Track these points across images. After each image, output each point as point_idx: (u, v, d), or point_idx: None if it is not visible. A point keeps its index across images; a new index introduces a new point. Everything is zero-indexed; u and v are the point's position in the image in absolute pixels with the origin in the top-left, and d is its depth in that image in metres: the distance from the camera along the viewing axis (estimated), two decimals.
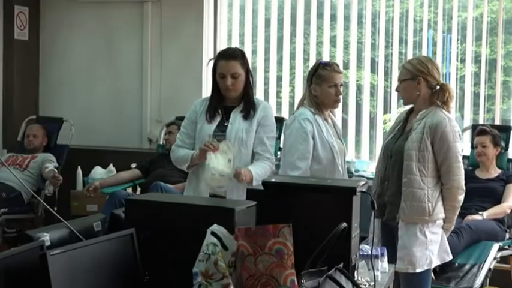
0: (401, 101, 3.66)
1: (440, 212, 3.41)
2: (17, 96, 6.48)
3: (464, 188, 3.46)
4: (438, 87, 3.45)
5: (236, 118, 3.50)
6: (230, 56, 3.49)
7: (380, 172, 3.60)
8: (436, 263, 3.48)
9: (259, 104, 3.55)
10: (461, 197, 3.45)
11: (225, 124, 3.50)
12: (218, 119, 3.53)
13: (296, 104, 3.78)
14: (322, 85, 3.54)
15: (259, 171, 3.40)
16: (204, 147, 3.32)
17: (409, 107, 3.64)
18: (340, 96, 3.63)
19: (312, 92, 3.56)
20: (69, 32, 6.56)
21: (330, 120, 3.64)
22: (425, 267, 3.42)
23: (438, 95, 3.43)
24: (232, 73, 3.45)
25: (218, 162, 3.26)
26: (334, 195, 2.33)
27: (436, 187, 3.41)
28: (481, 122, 5.48)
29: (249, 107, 3.51)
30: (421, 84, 3.44)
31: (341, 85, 3.59)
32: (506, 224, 4.72)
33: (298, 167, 3.43)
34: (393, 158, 3.50)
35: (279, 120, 5.18)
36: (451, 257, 3.58)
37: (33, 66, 6.64)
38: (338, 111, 5.82)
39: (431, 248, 3.41)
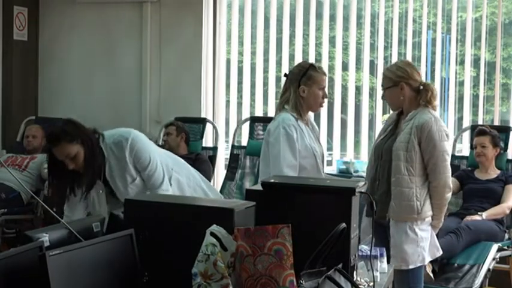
0: None
1: (428, 210, 3.50)
2: (16, 97, 6.48)
3: (452, 187, 3.57)
4: (422, 87, 3.55)
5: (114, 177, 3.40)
6: (54, 141, 3.28)
7: (371, 172, 3.66)
8: (428, 259, 3.58)
9: (127, 150, 3.38)
10: (448, 195, 3.54)
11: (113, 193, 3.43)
12: (100, 192, 3.42)
13: (289, 107, 3.61)
14: (312, 87, 3.51)
15: None
16: None
17: None
18: (326, 99, 3.62)
19: (299, 94, 3.52)
20: (68, 32, 6.56)
21: (309, 124, 3.61)
22: (418, 264, 3.51)
23: (421, 95, 3.52)
24: (66, 156, 3.26)
25: None
26: (333, 196, 2.33)
27: (424, 186, 3.49)
28: (480, 122, 5.49)
29: (103, 166, 3.36)
30: (404, 89, 3.53)
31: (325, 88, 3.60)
32: (505, 224, 4.72)
33: (287, 174, 3.34)
34: (383, 158, 3.57)
35: None
36: (441, 253, 3.67)
37: (33, 66, 6.64)
38: (337, 111, 5.86)
39: (422, 244, 3.50)
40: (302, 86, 3.52)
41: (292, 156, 3.42)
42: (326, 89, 3.61)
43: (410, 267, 3.49)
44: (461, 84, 5.62)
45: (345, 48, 5.94)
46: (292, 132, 3.44)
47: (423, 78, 3.71)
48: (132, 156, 3.40)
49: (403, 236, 3.47)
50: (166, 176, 3.48)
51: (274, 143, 3.46)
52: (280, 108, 3.60)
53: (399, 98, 3.55)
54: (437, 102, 3.58)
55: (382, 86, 3.63)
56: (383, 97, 3.68)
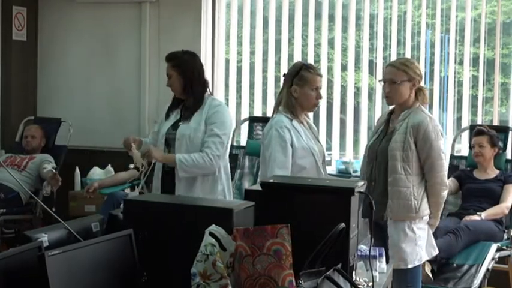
0: None
1: (426, 209, 3.54)
2: (15, 97, 6.47)
3: (448, 184, 3.63)
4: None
5: (191, 118, 3.78)
6: (166, 58, 3.92)
7: (366, 173, 3.66)
8: (425, 258, 3.62)
9: (211, 106, 3.77)
10: (445, 193, 3.59)
11: (179, 124, 3.79)
12: (175, 119, 3.86)
13: (282, 107, 3.62)
14: (304, 87, 3.52)
15: (185, 157, 3.66)
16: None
17: (391, 107, 3.73)
18: (320, 100, 3.61)
19: (291, 94, 3.54)
20: (67, 32, 6.55)
21: (305, 123, 3.61)
22: (416, 263, 3.55)
23: (420, 94, 3.59)
24: (166, 74, 3.89)
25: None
26: (332, 196, 2.33)
27: (421, 184, 3.53)
28: (479, 122, 5.48)
29: (196, 107, 3.78)
30: (415, 86, 3.58)
31: (320, 88, 3.58)
32: (504, 224, 4.72)
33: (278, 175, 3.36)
34: (378, 158, 3.59)
35: None
36: (437, 252, 3.72)
37: (32, 67, 6.63)
38: (336, 112, 5.86)
39: (420, 243, 3.54)
40: (294, 86, 3.54)
41: (283, 156, 3.44)
42: (325, 89, 3.62)
43: (409, 266, 3.51)
44: (460, 84, 5.62)
45: (344, 49, 5.94)
46: (285, 133, 3.46)
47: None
48: (212, 113, 3.74)
49: (402, 235, 3.50)
50: (223, 157, 3.81)
51: (267, 145, 3.52)
52: (275, 109, 3.63)
53: (407, 95, 3.58)
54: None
55: (392, 79, 3.56)
56: (387, 88, 3.59)
